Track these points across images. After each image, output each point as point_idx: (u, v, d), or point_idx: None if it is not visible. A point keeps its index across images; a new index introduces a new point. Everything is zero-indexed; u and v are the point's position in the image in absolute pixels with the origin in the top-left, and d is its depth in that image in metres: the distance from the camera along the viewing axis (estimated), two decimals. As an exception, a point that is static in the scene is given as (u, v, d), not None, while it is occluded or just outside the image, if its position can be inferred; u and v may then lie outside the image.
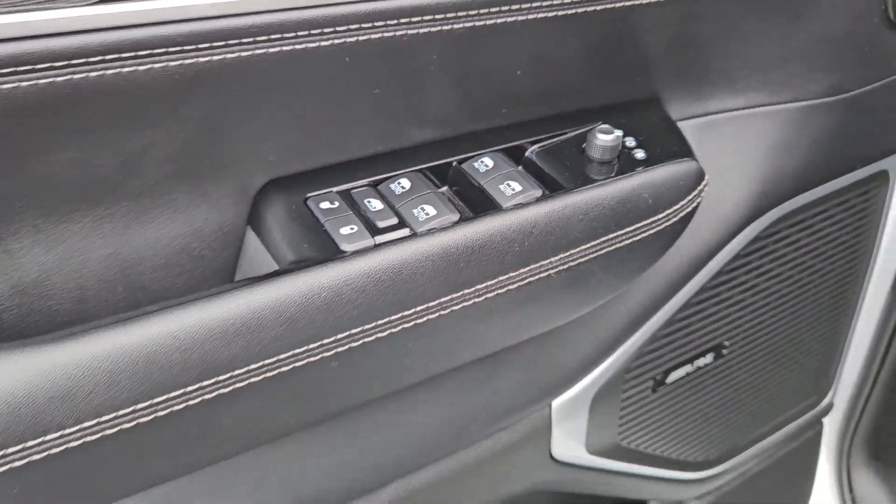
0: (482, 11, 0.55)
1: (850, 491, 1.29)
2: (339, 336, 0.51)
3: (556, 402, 0.78)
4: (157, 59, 0.45)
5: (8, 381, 0.42)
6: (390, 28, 0.52)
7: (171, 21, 0.45)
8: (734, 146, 0.75)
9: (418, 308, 0.53)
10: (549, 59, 0.60)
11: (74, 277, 0.50)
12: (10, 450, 0.42)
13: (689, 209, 0.65)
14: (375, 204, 0.56)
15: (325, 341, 0.50)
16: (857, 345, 1.12)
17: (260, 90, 0.50)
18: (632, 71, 0.66)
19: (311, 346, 0.50)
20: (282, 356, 0.49)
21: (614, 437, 0.86)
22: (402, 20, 0.52)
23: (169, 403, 0.46)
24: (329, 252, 0.52)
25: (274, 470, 0.62)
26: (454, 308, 0.55)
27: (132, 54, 0.44)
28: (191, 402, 0.47)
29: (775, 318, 0.90)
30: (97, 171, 0.48)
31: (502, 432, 0.76)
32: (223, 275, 0.56)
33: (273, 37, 0.48)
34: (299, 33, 0.49)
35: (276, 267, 0.54)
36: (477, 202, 0.59)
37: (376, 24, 0.51)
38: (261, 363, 0.48)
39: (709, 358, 0.87)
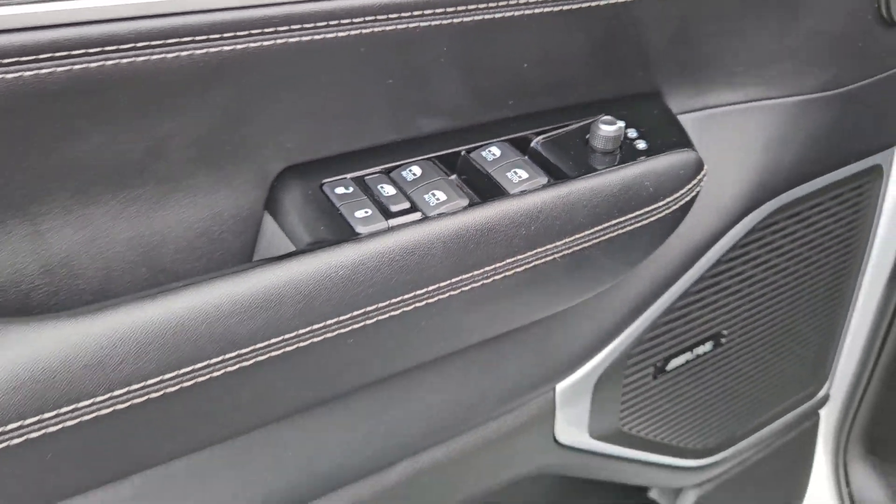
0: (490, 5, 0.57)
1: (847, 485, 1.31)
2: (355, 313, 0.53)
3: (560, 387, 0.81)
4: (184, 47, 0.47)
5: (46, 350, 0.44)
6: (404, 20, 0.54)
7: (198, 11, 0.47)
8: (732, 139, 0.77)
9: (430, 288, 0.55)
10: (555, 52, 0.63)
11: (101, 258, 0.52)
12: (46, 415, 0.44)
13: (689, 198, 0.67)
14: (388, 189, 0.58)
15: (342, 318, 0.52)
16: (854, 338, 1.14)
17: (280, 79, 0.52)
18: (633, 65, 0.69)
19: (329, 322, 0.52)
20: (301, 331, 0.51)
21: (616, 422, 0.88)
22: (416, 12, 0.54)
23: (194, 374, 0.48)
24: (345, 234, 0.55)
25: (289, 447, 0.64)
26: (464, 289, 0.57)
27: (161, 42, 0.47)
28: (214, 374, 0.49)
29: (772, 308, 0.92)
30: (124, 155, 0.50)
31: (508, 415, 0.78)
32: (241, 258, 0.59)
33: (293, 27, 0.50)
34: (318, 24, 0.51)
35: (292, 249, 0.56)
36: (485, 189, 0.61)
37: (391, 15, 0.53)
38: (281, 338, 0.50)
39: (708, 346, 0.89)
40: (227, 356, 0.49)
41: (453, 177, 0.63)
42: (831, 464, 1.28)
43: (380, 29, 0.53)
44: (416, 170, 0.60)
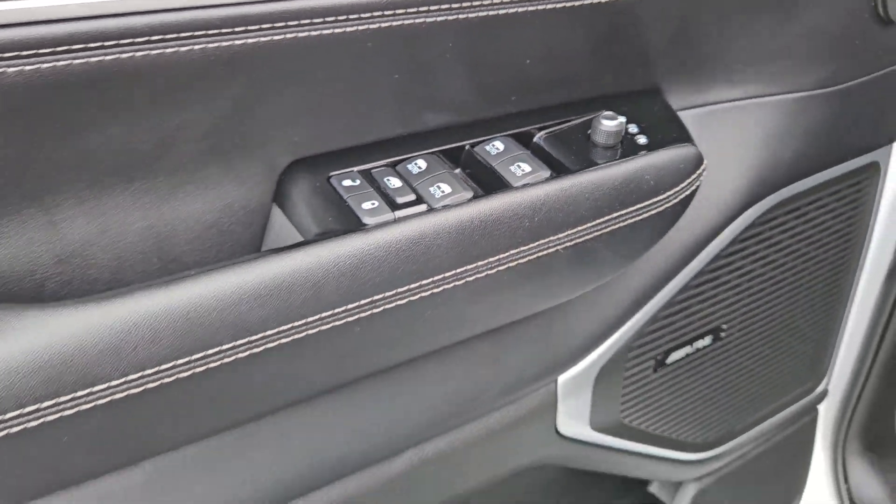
0: (495, 2, 0.58)
1: (846, 481, 1.31)
2: (362, 302, 0.54)
3: (562, 379, 0.82)
4: (197, 40, 0.48)
5: (62, 335, 0.45)
6: (410, 15, 0.55)
7: (211, 6, 0.48)
8: (732, 135, 0.79)
9: (435, 278, 0.57)
10: (557, 49, 0.64)
11: (113, 248, 0.54)
12: (63, 398, 0.45)
13: (689, 192, 0.68)
14: (394, 182, 0.59)
15: (349, 306, 0.53)
16: (852, 334, 1.15)
17: (289, 73, 0.53)
18: (634, 62, 0.70)
19: (336, 310, 0.53)
20: (309, 319, 0.52)
21: (617, 414, 0.89)
22: (422, 8, 0.55)
23: (206, 360, 0.49)
24: (352, 225, 0.56)
25: (295, 436, 0.65)
26: (468, 279, 0.58)
27: (175, 36, 0.48)
28: (226, 360, 0.50)
29: (771, 303, 0.93)
30: (138, 147, 0.51)
31: (510, 406, 0.80)
32: (250, 249, 0.60)
33: (303, 22, 0.51)
34: (327, 19, 0.52)
35: (301, 240, 0.57)
36: (489, 182, 0.62)
37: (397, 11, 0.54)
38: (290, 325, 0.51)
39: (707, 340, 0.90)
40: (238, 342, 0.50)
41: (458, 170, 0.64)
42: (829, 460, 1.29)
43: (387, 24, 0.54)
44: (422, 163, 0.61)
